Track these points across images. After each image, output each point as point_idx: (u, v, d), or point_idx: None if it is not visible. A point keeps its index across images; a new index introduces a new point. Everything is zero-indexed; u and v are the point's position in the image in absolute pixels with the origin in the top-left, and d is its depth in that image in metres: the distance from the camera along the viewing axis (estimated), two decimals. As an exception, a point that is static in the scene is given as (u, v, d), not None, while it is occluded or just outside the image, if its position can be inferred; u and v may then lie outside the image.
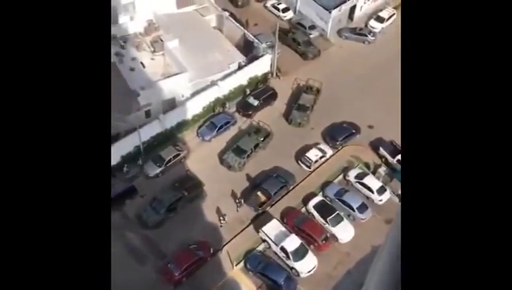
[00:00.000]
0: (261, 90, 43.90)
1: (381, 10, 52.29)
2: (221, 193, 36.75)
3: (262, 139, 39.76)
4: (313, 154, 39.04)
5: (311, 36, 49.61)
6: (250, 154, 38.64)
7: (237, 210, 35.45)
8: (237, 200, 35.47)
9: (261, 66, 44.69)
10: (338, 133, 40.92)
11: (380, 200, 36.36)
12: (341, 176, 38.73)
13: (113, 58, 40.94)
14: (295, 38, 48.09)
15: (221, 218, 34.51)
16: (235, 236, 34.37)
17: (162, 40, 42.59)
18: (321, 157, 39.23)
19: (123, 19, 43.92)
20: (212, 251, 33.20)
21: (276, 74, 45.87)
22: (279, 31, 48.33)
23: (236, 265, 32.95)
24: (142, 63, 41.34)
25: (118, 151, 36.85)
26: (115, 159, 36.86)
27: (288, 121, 42.10)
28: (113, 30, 43.03)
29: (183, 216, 35.16)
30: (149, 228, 34.12)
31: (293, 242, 32.99)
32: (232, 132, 41.34)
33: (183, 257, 32.09)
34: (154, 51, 42.39)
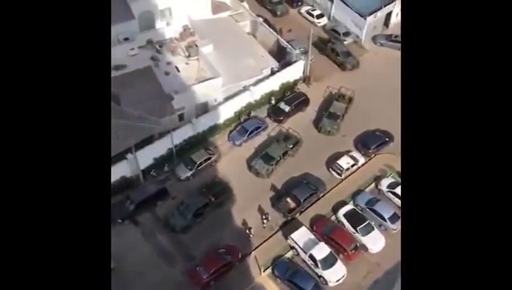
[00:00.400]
0: (292, 96, 43.82)
1: (417, 17, 51.40)
2: (249, 199, 36.74)
3: (291, 146, 39.57)
4: (344, 161, 38.61)
5: (345, 42, 49.28)
6: (279, 161, 38.51)
7: (263, 226, 34.98)
8: (263, 216, 35.08)
9: (293, 72, 44.65)
10: (371, 141, 40.34)
11: (413, 211, 35.49)
12: (373, 185, 38.14)
13: (149, 62, 41.87)
14: (334, 48, 47.69)
15: (247, 231, 34.38)
16: (263, 242, 34.32)
17: (196, 45, 43.23)
18: (353, 165, 38.74)
19: (160, 24, 44.83)
20: (240, 256, 33.26)
21: (307, 80, 45.65)
22: (318, 41, 48.39)
23: (264, 271, 32.88)
24: (176, 67, 42.06)
25: (151, 153, 37.55)
26: (148, 161, 37.58)
27: (318, 128, 41.78)
28: (150, 35, 44.11)
29: (210, 221, 35.31)
30: (176, 232, 34.45)
31: (322, 250, 32.65)
32: (262, 137, 41.41)
33: (212, 260, 32.26)
34: (188, 56, 43.05)
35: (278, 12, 52.92)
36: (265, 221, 34.92)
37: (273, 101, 43.28)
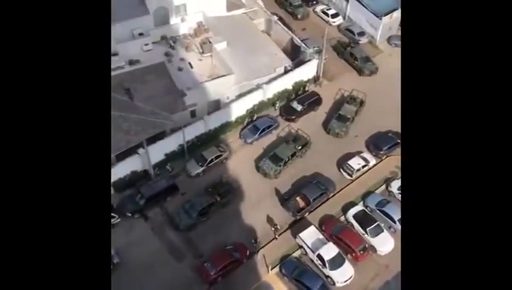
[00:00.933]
0: (305, 96, 43.67)
1: (434, 18, 50.86)
2: (255, 200, 36.63)
3: (300, 147, 39.38)
4: (355, 162, 38.39)
5: (360, 42, 48.95)
6: (287, 162, 38.34)
7: (276, 237, 34.31)
8: (273, 228, 34.39)
9: (306, 71, 44.45)
10: (382, 143, 40.05)
11: (423, 214, 35.18)
12: (383, 187, 37.88)
13: (163, 58, 42.04)
14: (353, 53, 47.11)
15: (253, 241, 34.02)
16: (271, 240, 34.29)
17: (210, 42, 43.28)
18: (364, 166, 38.52)
19: (174, 20, 44.97)
20: (248, 253, 33.29)
21: (317, 81, 45.33)
22: (337, 44, 48.07)
23: (271, 269, 32.88)
24: (190, 63, 42.17)
25: (163, 149, 37.74)
26: (159, 157, 37.78)
27: (327, 130, 41.54)
28: (164, 30, 44.30)
29: (215, 221, 35.15)
30: (181, 231, 34.44)
31: (330, 250, 32.55)
32: (274, 136, 41.34)
33: (220, 257, 32.37)
34: (202, 52, 43.14)
35: (299, 16, 52.42)
36: (276, 233, 34.29)
37: (277, 106, 43.02)
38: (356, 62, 46.79)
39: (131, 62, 41.06)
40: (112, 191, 36.16)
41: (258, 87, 41.79)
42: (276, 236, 34.29)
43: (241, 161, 39.43)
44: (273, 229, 34.23)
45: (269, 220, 35.39)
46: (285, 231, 34.96)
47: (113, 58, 40.48)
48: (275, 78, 42.69)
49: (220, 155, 38.79)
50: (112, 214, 34.20)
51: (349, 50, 47.58)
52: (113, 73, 39.11)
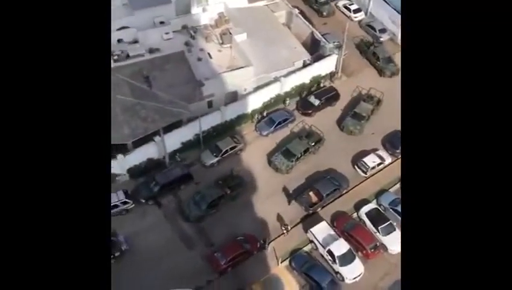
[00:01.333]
0: (323, 90, 43.47)
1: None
2: (265, 194, 36.63)
3: (313, 143, 39.24)
4: (370, 160, 38.17)
5: (381, 39, 48.39)
6: (299, 158, 38.24)
7: (284, 234, 34.30)
8: (283, 227, 34.32)
9: (325, 66, 44.17)
10: (399, 141, 39.69)
11: (437, 215, 34.86)
12: (398, 185, 37.61)
13: (183, 47, 42.20)
14: (376, 52, 46.35)
15: (262, 242, 33.83)
16: (282, 233, 34.40)
17: (230, 33, 43.28)
18: (379, 164, 38.27)
19: (196, 10, 45.05)
20: (259, 245, 33.47)
21: (332, 76, 44.99)
22: (361, 42, 47.62)
23: (281, 262, 33.03)
24: (209, 54, 42.25)
25: (179, 137, 38.05)
26: (175, 145, 38.11)
27: (341, 127, 41.29)
28: (185, 20, 44.42)
29: (224, 213, 35.20)
30: (190, 222, 34.68)
31: (340, 246, 32.54)
32: (289, 130, 41.26)
33: (231, 247, 32.62)
34: (222, 43, 43.17)
35: (324, 13, 51.56)
36: (285, 232, 34.21)
37: (287, 101, 42.82)
38: (378, 62, 46.11)
39: (151, 50, 41.34)
40: (127, 177, 36.65)
41: (276, 80, 41.73)
42: (285, 235, 34.29)
43: (254, 154, 39.50)
44: (283, 228, 34.26)
45: (279, 218, 35.34)
46: (296, 225, 35.02)
47: (133, 46, 40.82)
48: (293, 72, 42.55)
49: (235, 146, 38.93)
50: (126, 199, 34.68)
51: (372, 49, 46.92)
52: (133, 60, 39.49)
